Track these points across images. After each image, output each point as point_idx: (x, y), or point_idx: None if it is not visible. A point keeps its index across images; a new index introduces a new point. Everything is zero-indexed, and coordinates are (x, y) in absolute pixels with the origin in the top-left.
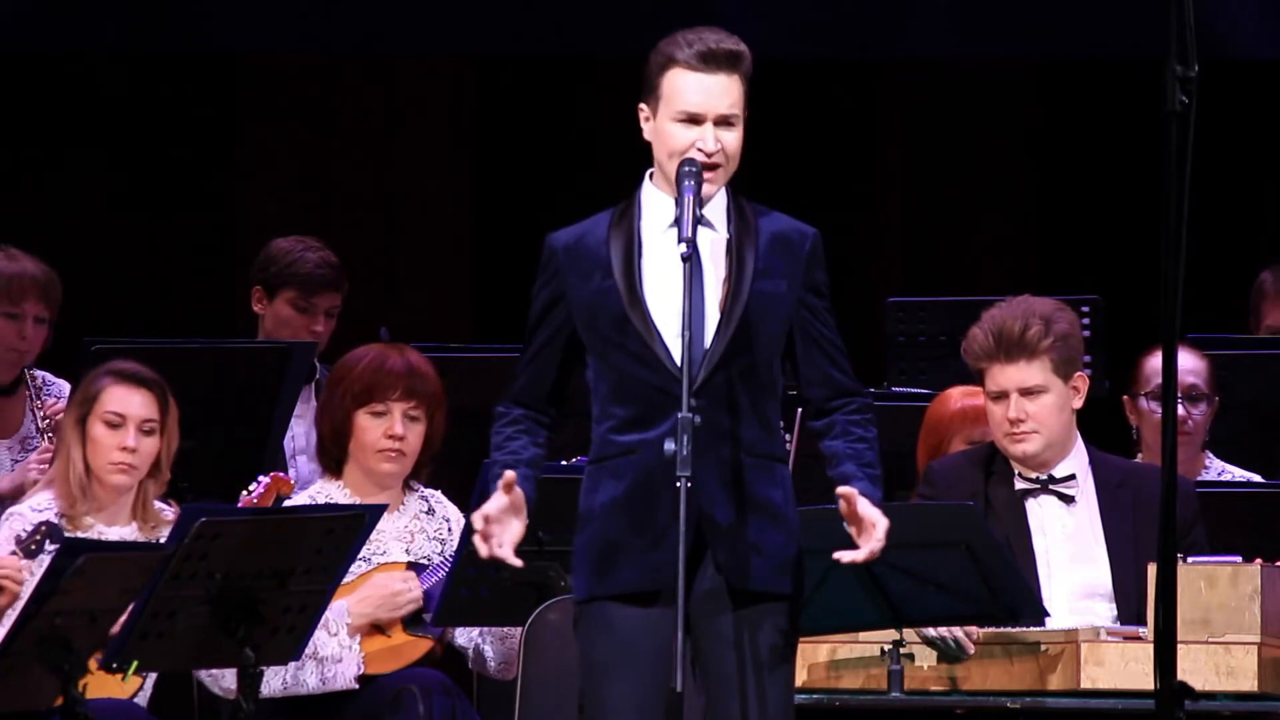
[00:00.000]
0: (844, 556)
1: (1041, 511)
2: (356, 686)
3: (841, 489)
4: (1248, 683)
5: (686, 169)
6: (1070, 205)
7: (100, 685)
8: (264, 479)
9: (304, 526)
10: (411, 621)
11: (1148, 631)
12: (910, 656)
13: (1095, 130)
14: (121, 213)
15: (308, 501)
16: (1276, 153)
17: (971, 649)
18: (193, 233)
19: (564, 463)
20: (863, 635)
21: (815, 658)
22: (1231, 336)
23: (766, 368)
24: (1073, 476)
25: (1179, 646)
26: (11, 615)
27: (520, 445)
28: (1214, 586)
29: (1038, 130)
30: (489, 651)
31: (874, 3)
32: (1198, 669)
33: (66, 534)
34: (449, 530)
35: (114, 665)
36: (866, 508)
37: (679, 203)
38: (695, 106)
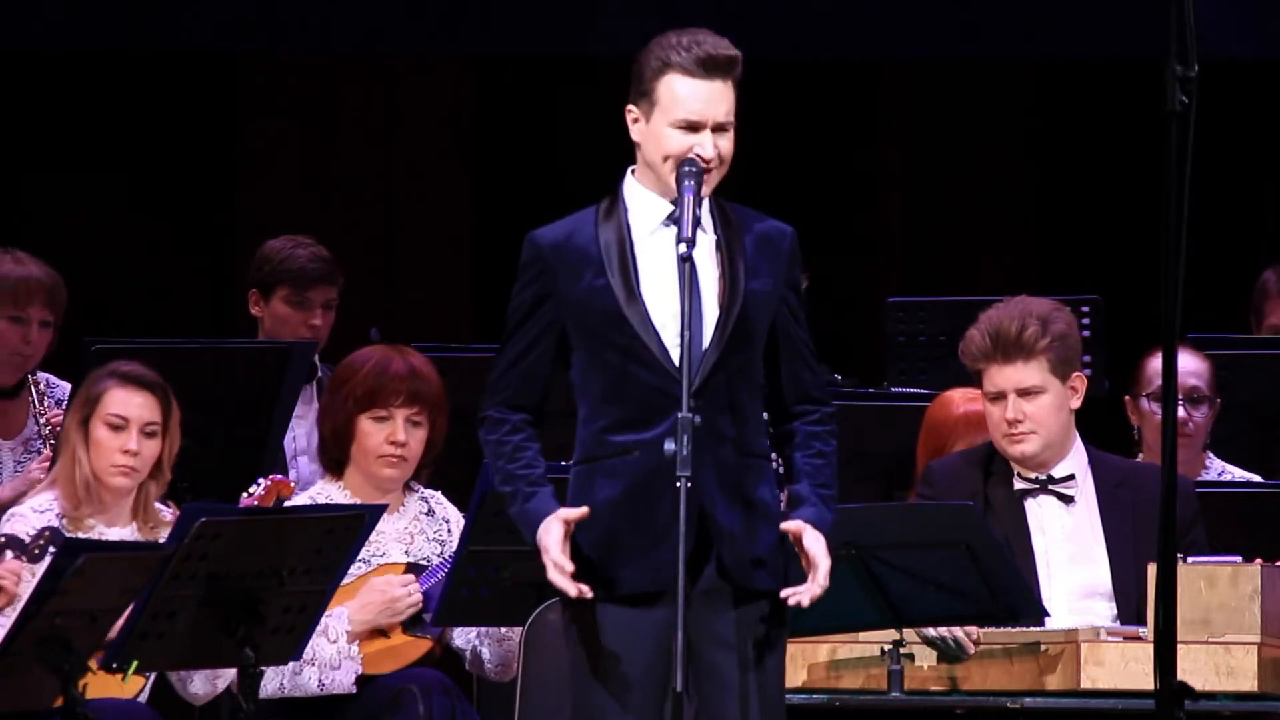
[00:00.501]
0: (791, 599)
1: (1041, 511)
2: (354, 691)
3: (786, 525)
4: (1248, 683)
5: (688, 169)
6: (1070, 205)
7: (100, 685)
8: (264, 481)
9: (304, 526)
10: (411, 622)
11: (1148, 631)
12: (910, 656)
13: (1095, 130)
14: (121, 213)
15: (308, 502)
16: (1276, 153)
17: (971, 649)
18: (193, 233)
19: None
20: (863, 635)
21: (815, 658)
22: (1232, 336)
23: (756, 367)
24: (1072, 476)
25: (1179, 646)
26: (12, 615)
27: (532, 456)
28: (1214, 586)
29: (1038, 130)
30: (486, 653)
31: (874, 3)
32: (1198, 669)
33: (68, 535)
34: (448, 531)
35: (114, 665)
36: (811, 544)
37: (679, 203)
38: (695, 114)
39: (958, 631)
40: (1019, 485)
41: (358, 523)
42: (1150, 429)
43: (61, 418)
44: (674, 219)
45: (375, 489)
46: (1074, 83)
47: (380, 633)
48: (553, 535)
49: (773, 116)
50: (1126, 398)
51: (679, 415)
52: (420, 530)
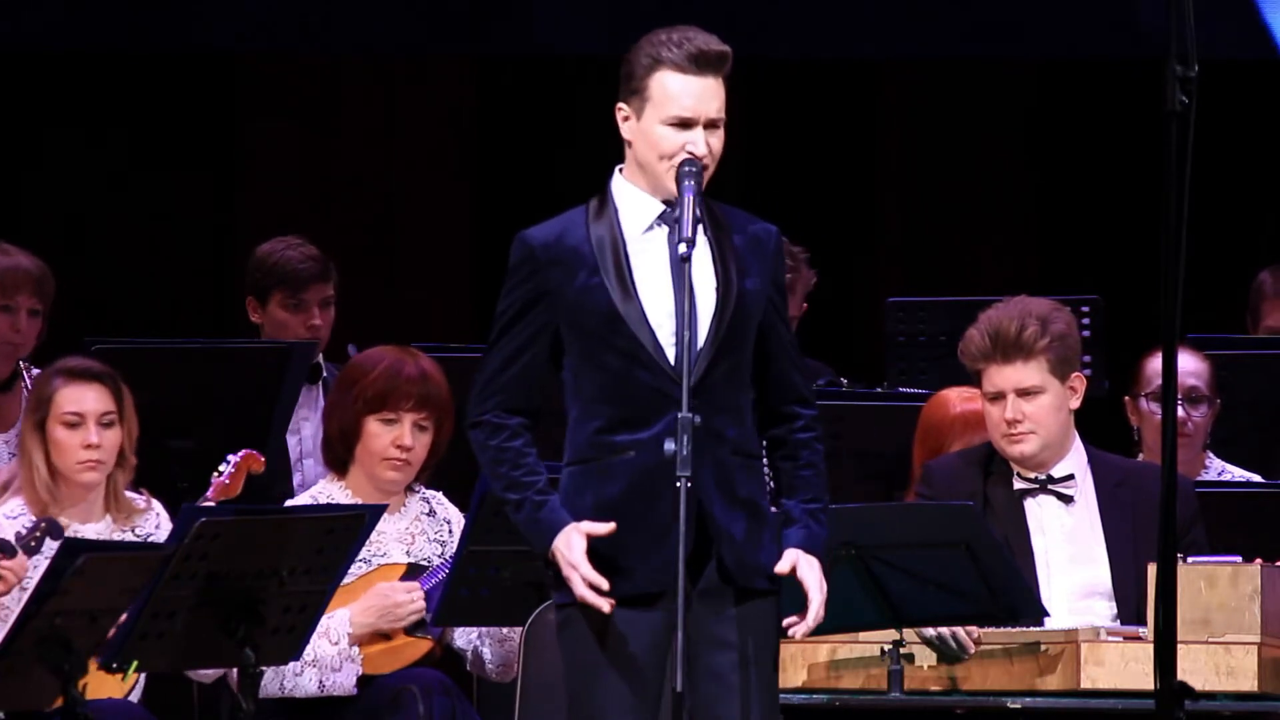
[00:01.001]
0: (792, 630)
1: (1040, 511)
2: (355, 693)
3: (779, 567)
4: (1248, 683)
5: (688, 169)
6: (1070, 205)
7: (99, 685)
8: (233, 458)
9: (304, 526)
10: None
11: (1148, 631)
12: (910, 656)
13: (1095, 130)
14: (122, 212)
15: (309, 501)
16: (1276, 153)
17: (972, 648)
18: (193, 233)
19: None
20: (863, 635)
21: (815, 658)
22: (1231, 336)
23: (748, 367)
24: (1071, 476)
25: (1179, 646)
26: (12, 615)
27: (533, 462)
28: (1214, 586)
29: (1038, 130)
30: (487, 654)
31: (874, 3)
32: (1198, 669)
33: (66, 532)
34: (449, 532)
35: (114, 665)
36: (804, 575)
37: (679, 202)
38: (688, 111)
39: (959, 630)
40: (1018, 485)
41: (358, 523)
42: (1150, 429)
43: None
44: (667, 218)
45: (377, 490)
46: (1074, 83)
47: (381, 633)
48: (577, 551)
49: (773, 116)
50: (1126, 398)
51: (679, 415)
52: (421, 531)
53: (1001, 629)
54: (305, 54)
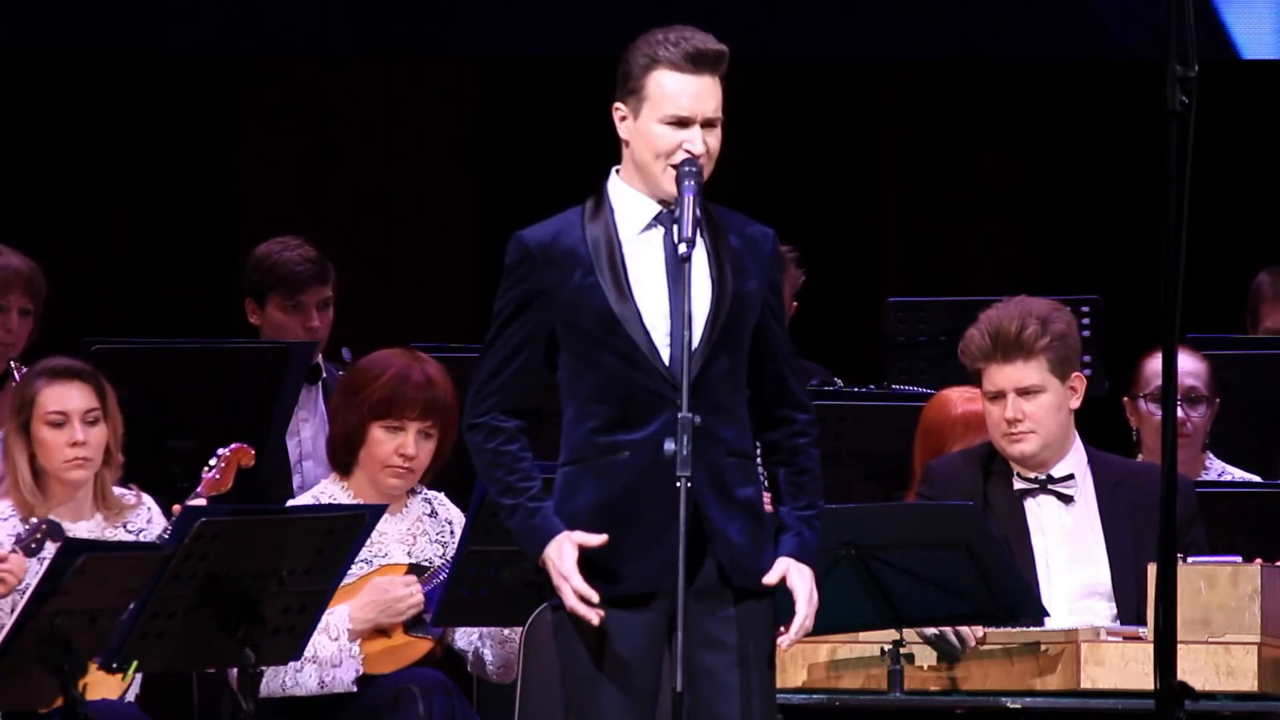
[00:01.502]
0: (779, 641)
1: (1040, 511)
2: (355, 690)
3: (768, 579)
4: (1248, 683)
5: (687, 169)
6: (1070, 205)
7: (98, 685)
8: (223, 452)
9: (304, 526)
10: (412, 623)
11: (1148, 631)
12: (910, 656)
13: (1095, 130)
14: (121, 212)
15: (310, 501)
16: (1276, 153)
17: (972, 641)
18: (193, 233)
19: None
20: (863, 635)
21: (815, 658)
22: (1231, 336)
23: (742, 367)
24: (1071, 476)
25: (1179, 646)
26: (12, 615)
27: (529, 467)
28: (1214, 586)
29: (1038, 131)
30: (488, 655)
31: (874, 3)
32: (1198, 669)
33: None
34: (451, 533)
35: (114, 665)
36: (795, 583)
37: (679, 203)
38: (685, 110)
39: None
40: (1018, 485)
41: (358, 523)
42: (1149, 430)
43: None
44: (664, 219)
45: (379, 495)
46: (1074, 83)
47: (381, 633)
48: (568, 561)
49: (773, 116)
50: (1125, 399)
51: (679, 415)
52: (423, 531)
53: (1001, 629)
54: (305, 54)
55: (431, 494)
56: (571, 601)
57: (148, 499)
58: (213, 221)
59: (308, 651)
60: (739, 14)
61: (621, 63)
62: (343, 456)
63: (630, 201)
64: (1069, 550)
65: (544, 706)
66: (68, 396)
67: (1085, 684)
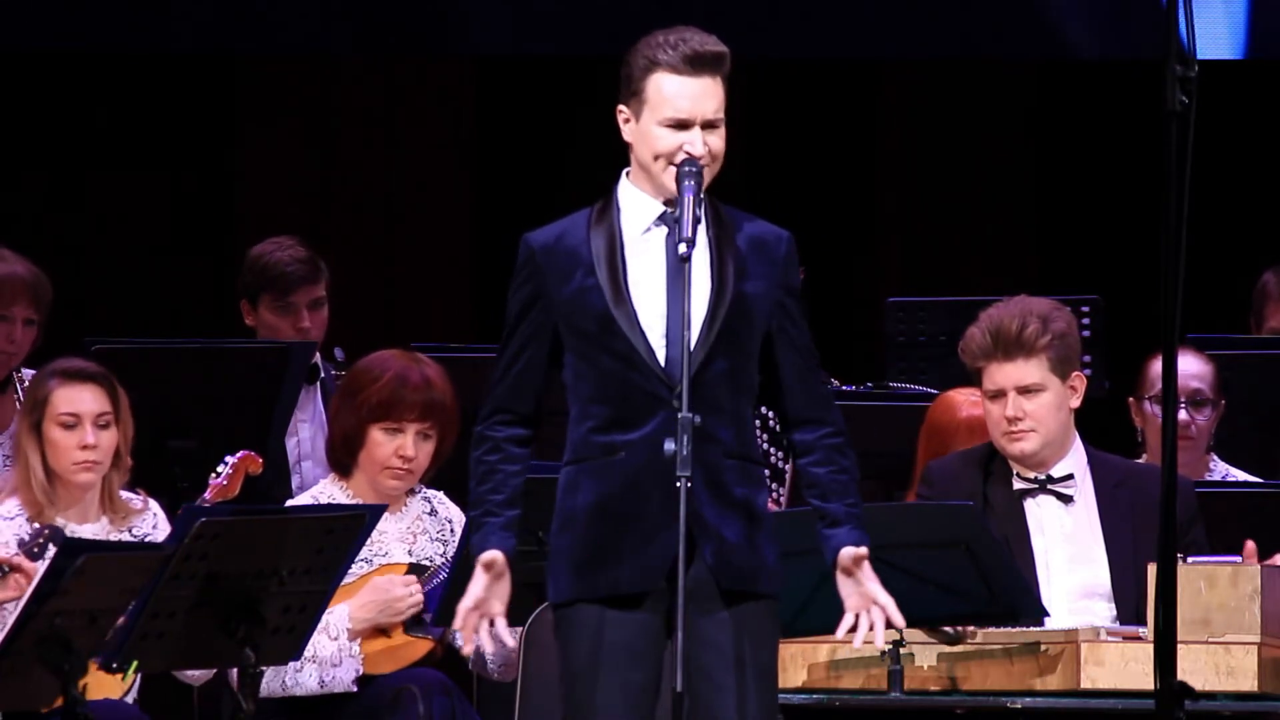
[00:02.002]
0: (857, 641)
1: (1040, 511)
2: (355, 689)
3: (845, 554)
4: (1248, 683)
5: (688, 169)
6: (1070, 205)
7: (98, 685)
8: (231, 459)
9: (304, 526)
10: (412, 622)
11: (1148, 631)
12: (910, 656)
13: (1095, 130)
14: (121, 212)
15: (310, 501)
16: (1276, 153)
17: (969, 628)
18: (193, 233)
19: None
20: None
21: (815, 658)
22: (1232, 337)
23: (745, 370)
24: (1071, 476)
25: (1179, 646)
26: (12, 615)
27: (502, 478)
28: (1214, 586)
29: (1038, 130)
30: (489, 654)
31: (874, 3)
32: (1198, 669)
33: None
34: (451, 531)
35: (114, 665)
36: (869, 578)
37: (679, 203)
38: (684, 112)
39: None
40: (1018, 485)
41: (358, 523)
42: (1153, 431)
43: None
44: (666, 219)
45: (379, 496)
46: (1074, 83)
47: (381, 632)
48: (475, 587)
49: (773, 116)
50: (1130, 400)
51: (680, 415)
52: (423, 530)
53: (1001, 629)
54: (305, 54)
55: (431, 492)
56: (459, 620)
57: (154, 505)
58: (212, 221)
59: (308, 651)
60: (739, 14)
61: (623, 65)
62: (342, 458)
63: (636, 203)
64: (1069, 550)
65: (544, 706)
66: (80, 399)
67: (1085, 684)
